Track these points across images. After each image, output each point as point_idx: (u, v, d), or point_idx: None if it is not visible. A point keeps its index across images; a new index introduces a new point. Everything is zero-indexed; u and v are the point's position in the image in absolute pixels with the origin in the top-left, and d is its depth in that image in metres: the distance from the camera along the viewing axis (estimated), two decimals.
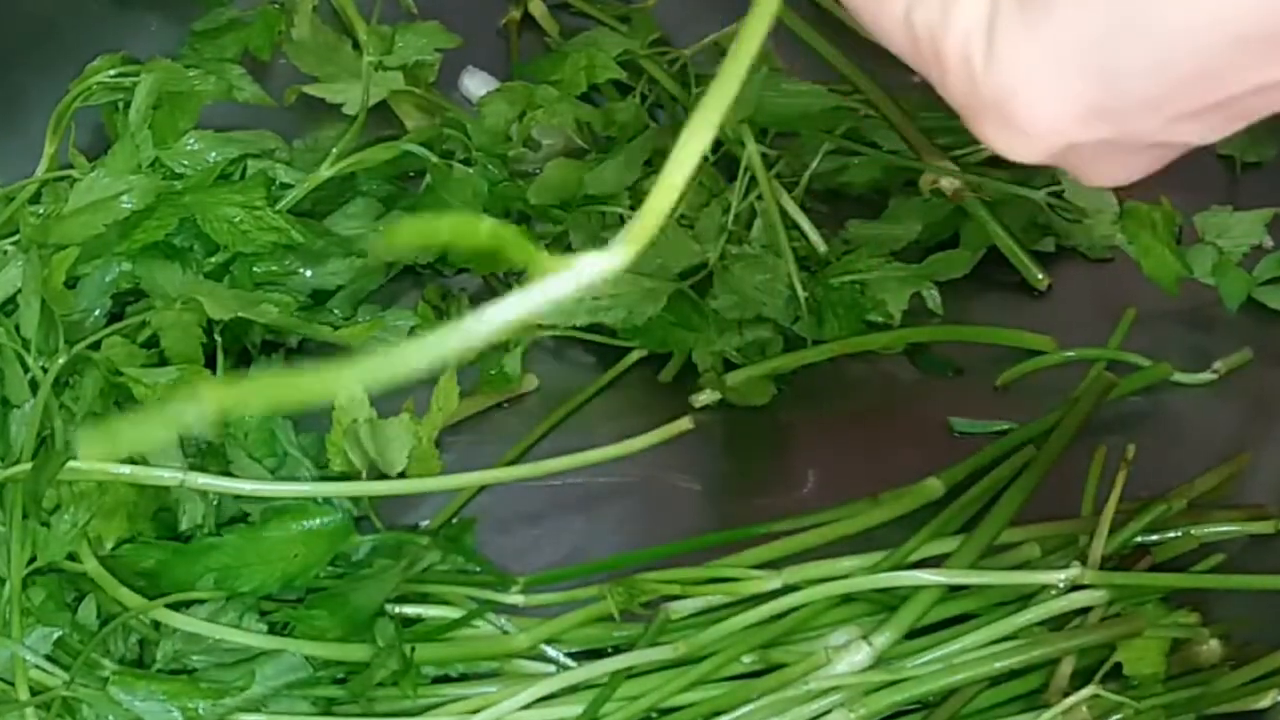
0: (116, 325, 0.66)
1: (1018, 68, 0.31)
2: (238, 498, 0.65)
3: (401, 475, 0.65)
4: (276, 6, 0.75)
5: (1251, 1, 0.28)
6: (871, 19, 0.35)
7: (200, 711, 0.60)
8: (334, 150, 0.69)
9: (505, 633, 0.65)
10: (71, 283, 0.67)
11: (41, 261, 0.65)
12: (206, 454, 0.65)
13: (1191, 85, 0.31)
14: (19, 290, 0.65)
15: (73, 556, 0.62)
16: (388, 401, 0.65)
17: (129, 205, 0.66)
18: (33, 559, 0.61)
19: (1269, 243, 0.75)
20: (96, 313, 0.67)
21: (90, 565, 0.61)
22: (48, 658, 0.60)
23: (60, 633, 0.61)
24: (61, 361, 0.63)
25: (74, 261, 0.66)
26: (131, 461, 0.63)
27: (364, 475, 0.64)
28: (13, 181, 0.71)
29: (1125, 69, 0.30)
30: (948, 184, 0.73)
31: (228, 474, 0.64)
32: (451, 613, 0.65)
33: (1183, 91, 0.31)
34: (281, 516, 0.64)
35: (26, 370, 0.64)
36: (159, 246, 0.67)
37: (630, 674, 0.64)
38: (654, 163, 0.71)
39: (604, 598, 0.64)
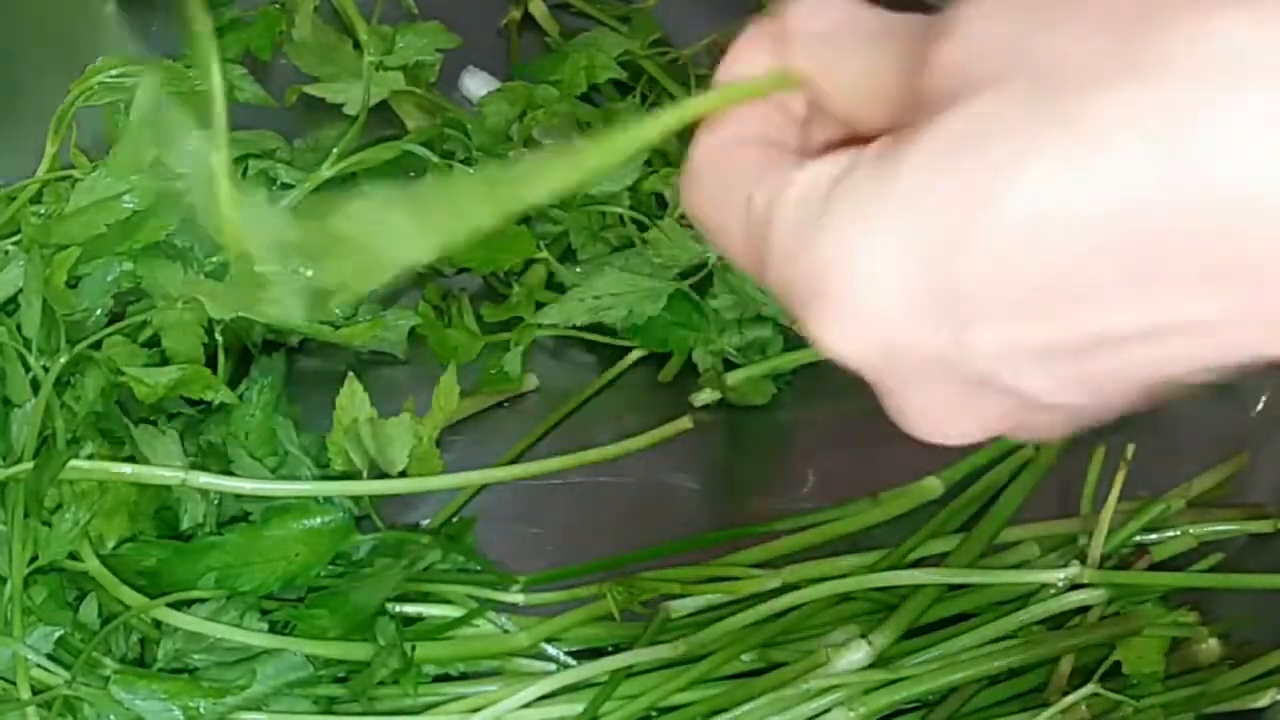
0: (118, 325, 0.66)
1: (850, 242, 0.27)
2: (239, 497, 0.65)
3: (402, 474, 0.65)
4: (277, 7, 0.75)
5: (1118, 207, 0.24)
6: (716, 227, 0.33)
7: (201, 710, 0.60)
8: (335, 150, 0.69)
9: (505, 632, 0.65)
10: (73, 282, 0.67)
11: (43, 261, 0.65)
12: (207, 453, 0.66)
13: (1032, 303, 0.26)
14: (20, 290, 0.65)
15: (74, 556, 0.62)
16: (388, 402, 0.65)
17: (130, 205, 0.66)
18: (34, 558, 0.61)
19: None
20: (98, 312, 0.67)
21: (91, 564, 0.61)
22: (49, 657, 0.61)
23: (61, 632, 0.61)
24: (63, 361, 0.63)
25: (75, 261, 0.66)
26: (132, 460, 0.63)
27: (365, 474, 0.65)
28: (12, 181, 0.71)
29: (963, 266, 0.26)
30: None
31: (229, 473, 0.64)
32: (452, 612, 0.65)
33: (1023, 308, 0.26)
34: (282, 515, 0.64)
35: (28, 370, 0.64)
36: (160, 246, 0.67)
37: (630, 673, 0.64)
38: (654, 163, 0.72)
39: (604, 596, 0.64)
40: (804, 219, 0.29)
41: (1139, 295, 0.25)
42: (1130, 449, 0.69)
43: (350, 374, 0.65)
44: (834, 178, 0.28)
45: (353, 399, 0.64)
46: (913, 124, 0.27)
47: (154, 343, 0.67)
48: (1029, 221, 0.25)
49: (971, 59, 0.27)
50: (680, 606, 0.65)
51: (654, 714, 0.64)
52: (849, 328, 0.28)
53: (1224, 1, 0.24)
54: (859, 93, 0.31)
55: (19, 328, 0.65)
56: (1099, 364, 0.27)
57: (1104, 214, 0.24)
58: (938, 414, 0.30)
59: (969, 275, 0.26)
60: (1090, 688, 0.62)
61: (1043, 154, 0.25)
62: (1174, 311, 0.25)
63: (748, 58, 0.34)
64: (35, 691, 0.60)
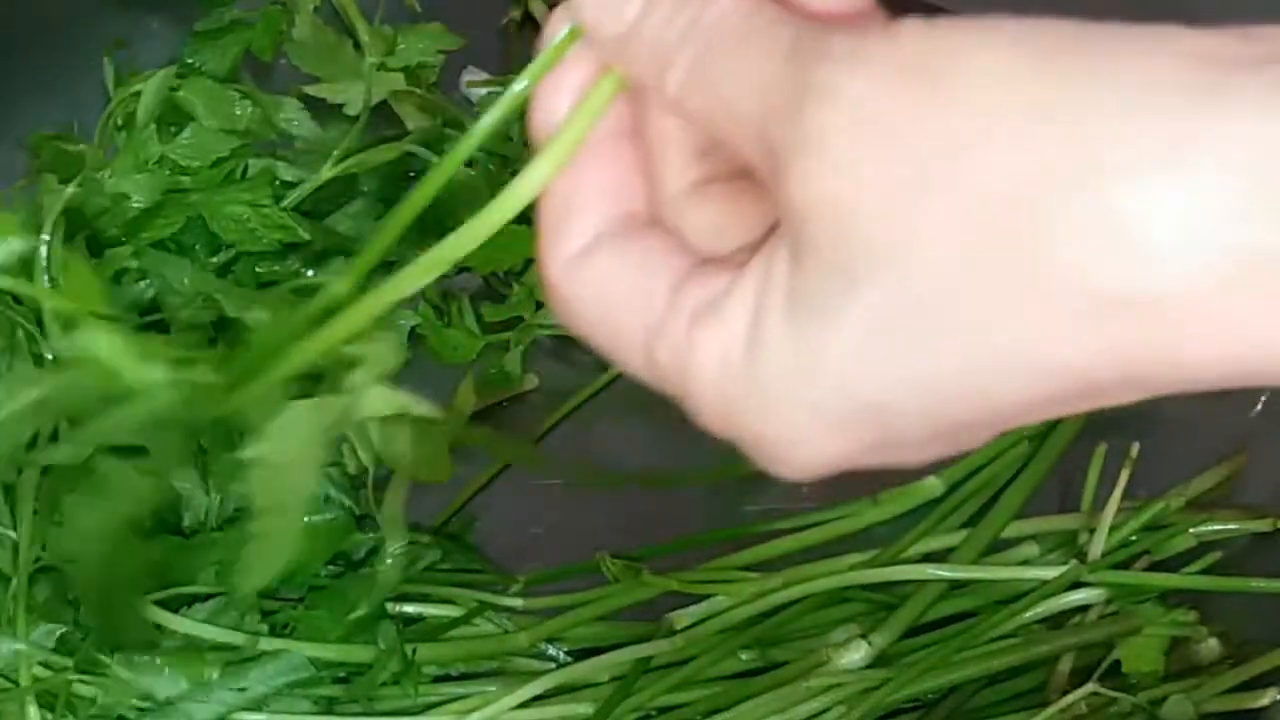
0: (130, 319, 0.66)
1: (778, 412, 0.28)
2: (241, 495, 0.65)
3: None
4: (278, 7, 0.75)
5: (1072, 371, 0.25)
6: (608, 352, 0.32)
7: (209, 678, 0.60)
8: (335, 151, 0.69)
9: (505, 632, 0.65)
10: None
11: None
12: (209, 453, 0.66)
13: (983, 434, 0.28)
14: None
15: None
16: None
17: (139, 204, 0.66)
18: (39, 556, 0.61)
19: None
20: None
21: None
22: (51, 652, 0.61)
23: (64, 629, 0.61)
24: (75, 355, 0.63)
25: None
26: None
27: (371, 474, 0.65)
28: (11, 182, 0.71)
29: (903, 426, 0.27)
30: None
31: (232, 471, 0.65)
32: (452, 612, 0.66)
33: (966, 437, 0.28)
34: None
35: (37, 362, 0.64)
36: (166, 244, 0.67)
37: (630, 673, 0.64)
38: None
39: (604, 598, 0.65)
40: (727, 397, 0.29)
41: (1045, 411, 0.27)
42: (1135, 448, 0.69)
43: None
44: (746, 341, 0.28)
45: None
46: (787, 230, 0.27)
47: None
48: (970, 395, 0.26)
49: (849, 126, 0.26)
50: (683, 615, 0.65)
51: (654, 713, 0.64)
52: (793, 473, 0.29)
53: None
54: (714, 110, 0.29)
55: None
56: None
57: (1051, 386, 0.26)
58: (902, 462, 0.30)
59: (902, 430, 0.27)
60: (1090, 687, 0.62)
61: (959, 350, 0.26)
62: (1064, 409, 0.27)
63: (561, 86, 0.31)
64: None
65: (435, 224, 0.74)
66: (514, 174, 0.77)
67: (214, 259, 0.69)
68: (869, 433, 0.27)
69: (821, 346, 0.27)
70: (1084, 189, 0.24)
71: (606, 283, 0.31)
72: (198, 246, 0.68)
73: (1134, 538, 0.67)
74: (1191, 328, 0.24)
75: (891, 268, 0.25)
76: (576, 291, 0.31)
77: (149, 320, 0.67)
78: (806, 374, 0.27)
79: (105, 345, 0.32)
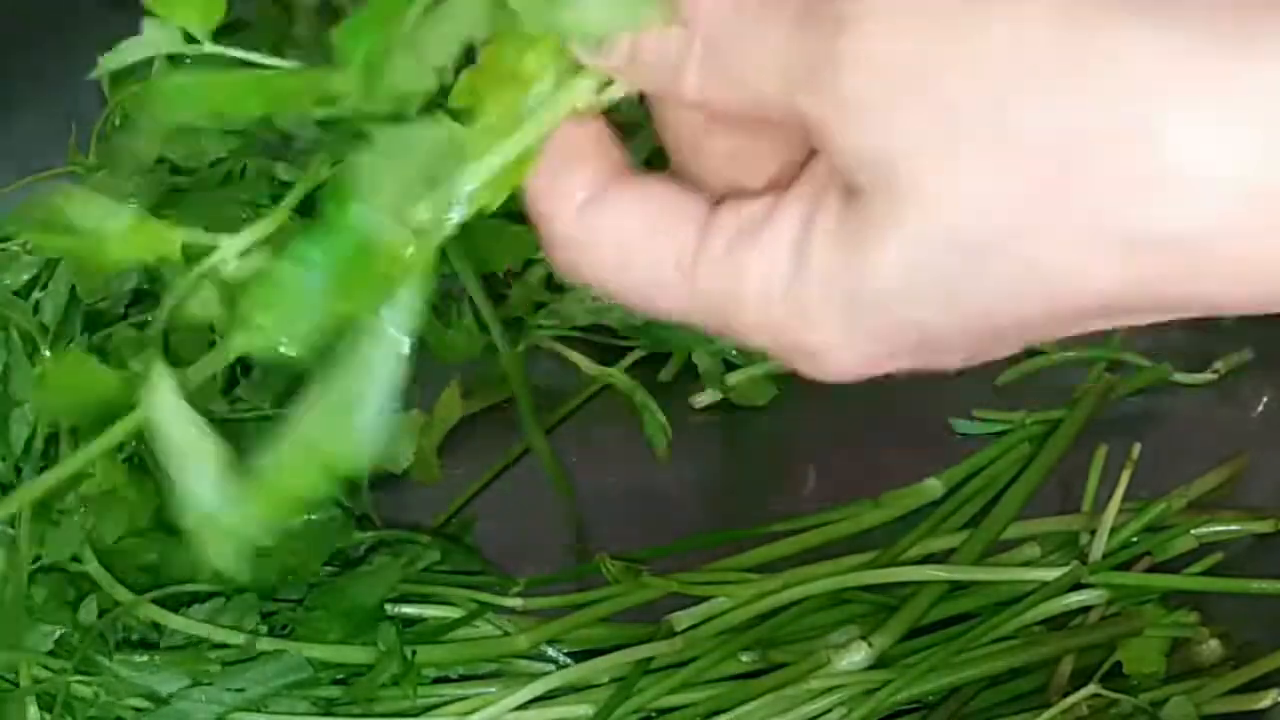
0: (128, 321, 0.66)
1: (824, 329, 0.29)
2: None
3: (405, 475, 0.65)
4: (278, 7, 0.75)
5: (1102, 294, 0.26)
6: (643, 303, 0.31)
7: (207, 679, 0.60)
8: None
9: (505, 634, 0.65)
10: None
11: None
12: None
13: (1008, 343, 0.29)
14: (24, 284, 0.65)
15: (74, 556, 0.62)
16: None
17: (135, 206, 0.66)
18: (37, 558, 0.61)
19: None
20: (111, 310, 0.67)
21: (92, 566, 0.62)
22: (49, 655, 0.61)
23: (62, 631, 0.61)
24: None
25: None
26: (131, 459, 0.63)
27: (367, 473, 0.65)
28: (11, 181, 0.71)
29: (943, 337, 0.28)
30: None
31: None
32: (452, 613, 0.65)
33: (998, 347, 0.29)
34: None
35: (35, 366, 0.64)
36: None
37: (629, 673, 0.64)
38: (653, 161, 0.71)
39: (604, 599, 0.64)
40: (772, 312, 0.29)
41: (1069, 329, 0.28)
42: (1136, 449, 0.69)
43: None
44: (791, 262, 0.29)
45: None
46: (828, 146, 0.28)
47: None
48: (1008, 309, 0.27)
49: (885, 91, 0.26)
50: (683, 616, 0.65)
51: (654, 715, 0.64)
52: (833, 378, 0.30)
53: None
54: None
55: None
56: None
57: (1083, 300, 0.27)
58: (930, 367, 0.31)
59: (947, 339, 0.29)
60: (1091, 688, 0.62)
61: (1001, 274, 0.27)
62: (1087, 328, 0.28)
63: None
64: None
65: None
66: None
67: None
68: (907, 342, 0.29)
69: (867, 269, 0.27)
70: (1124, 131, 0.25)
71: (628, 222, 0.31)
72: None
73: (1135, 539, 0.67)
74: (1227, 265, 0.25)
75: (939, 210, 0.26)
76: (594, 237, 0.31)
77: None
78: (851, 293, 0.28)
79: None
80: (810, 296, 0.29)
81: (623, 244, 0.31)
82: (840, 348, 0.29)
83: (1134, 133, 0.25)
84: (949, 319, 0.28)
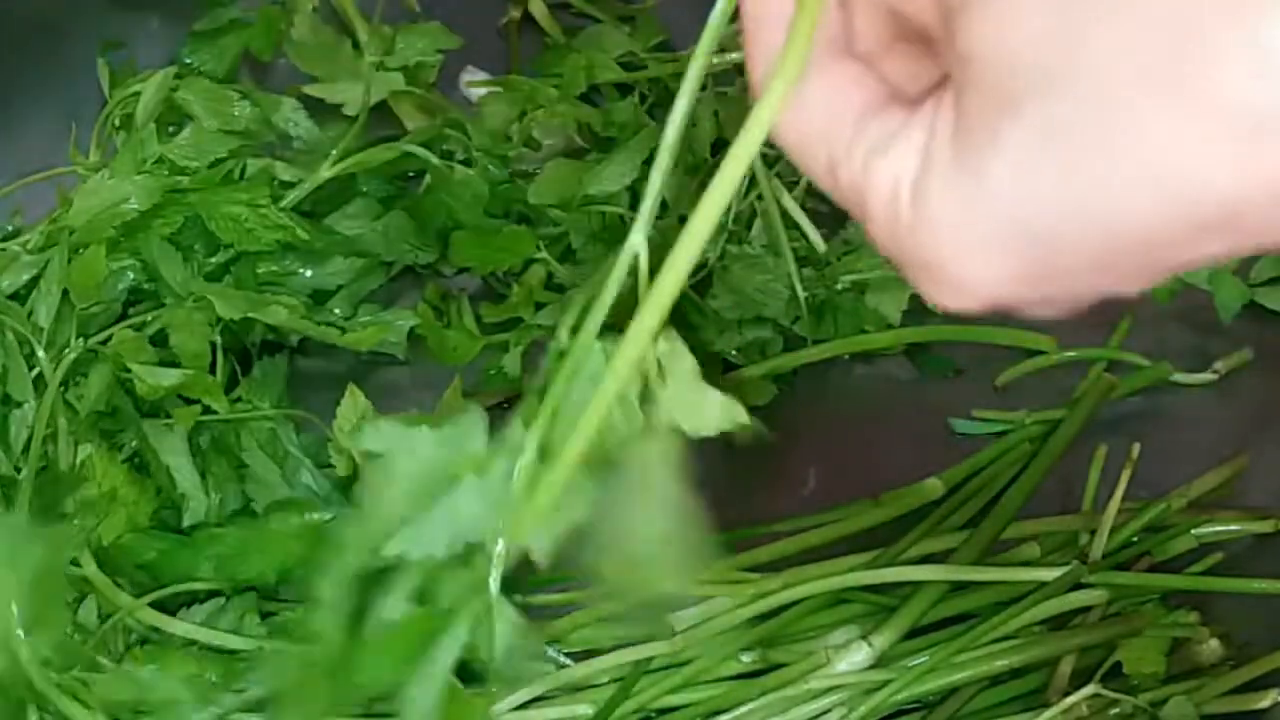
0: (129, 320, 0.66)
1: (944, 234, 0.30)
2: (244, 491, 0.65)
3: None
4: (277, 6, 0.75)
5: (1220, 193, 0.26)
6: (800, 165, 0.34)
7: (207, 680, 0.60)
8: (334, 151, 0.69)
9: None
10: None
11: (69, 249, 0.65)
12: (214, 451, 0.66)
13: (1133, 266, 0.29)
14: (25, 285, 0.65)
15: (74, 560, 0.62)
16: (388, 402, 0.65)
17: (134, 207, 0.66)
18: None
19: None
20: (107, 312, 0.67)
21: (90, 570, 0.62)
22: (50, 654, 0.61)
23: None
24: (73, 357, 0.63)
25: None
26: (131, 460, 0.63)
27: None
28: (11, 181, 0.71)
29: (1062, 248, 0.28)
30: None
31: (239, 469, 0.65)
32: None
33: (1123, 270, 0.29)
34: (284, 510, 0.64)
35: (32, 368, 0.64)
36: (166, 244, 0.67)
37: (629, 673, 0.64)
38: (651, 161, 0.71)
39: (604, 599, 0.64)
40: (900, 213, 0.31)
41: (1191, 245, 0.28)
42: (1136, 449, 0.69)
43: (351, 384, 0.66)
44: (917, 173, 0.30)
45: (354, 408, 0.65)
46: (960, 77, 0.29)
47: (156, 341, 0.67)
48: (1131, 216, 0.27)
49: (1005, 17, 0.27)
50: (682, 618, 0.65)
51: (654, 715, 0.64)
52: (957, 299, 0.31)
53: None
54: None
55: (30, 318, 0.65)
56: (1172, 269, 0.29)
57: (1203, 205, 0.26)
58: (1044, 313, 0.32)
59: (1062, 254, 0.29)
60: (1091, 688, 0.62)
61: (1118, 165, 0.27)
62: (1208, 244, 0.28)
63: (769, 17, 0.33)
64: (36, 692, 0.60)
65: (435, 223, 0.74)
66: (514, 174, 0.77)
67: (213, 259, 0.69)
68: (1031, 257, 0.29)
69: (986, 171, 0.28)
70: (1244, 14, 0.24)
71: (804, 104, 0.33)
72: (196, 247, 0.68)
73: (1135, 539, 0.67)
74: None
75: (1052, 92, 0.27)
76: (789, 118, 0.33)
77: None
78: (971, 200, 0.29)
79: None
80: (933, 208, 0.29)
81: (798, 125, 0.33)
82: (958, 258, 0.29)
83: (1255, 12, 0.24)
84: (1066, 227, 0.28)
